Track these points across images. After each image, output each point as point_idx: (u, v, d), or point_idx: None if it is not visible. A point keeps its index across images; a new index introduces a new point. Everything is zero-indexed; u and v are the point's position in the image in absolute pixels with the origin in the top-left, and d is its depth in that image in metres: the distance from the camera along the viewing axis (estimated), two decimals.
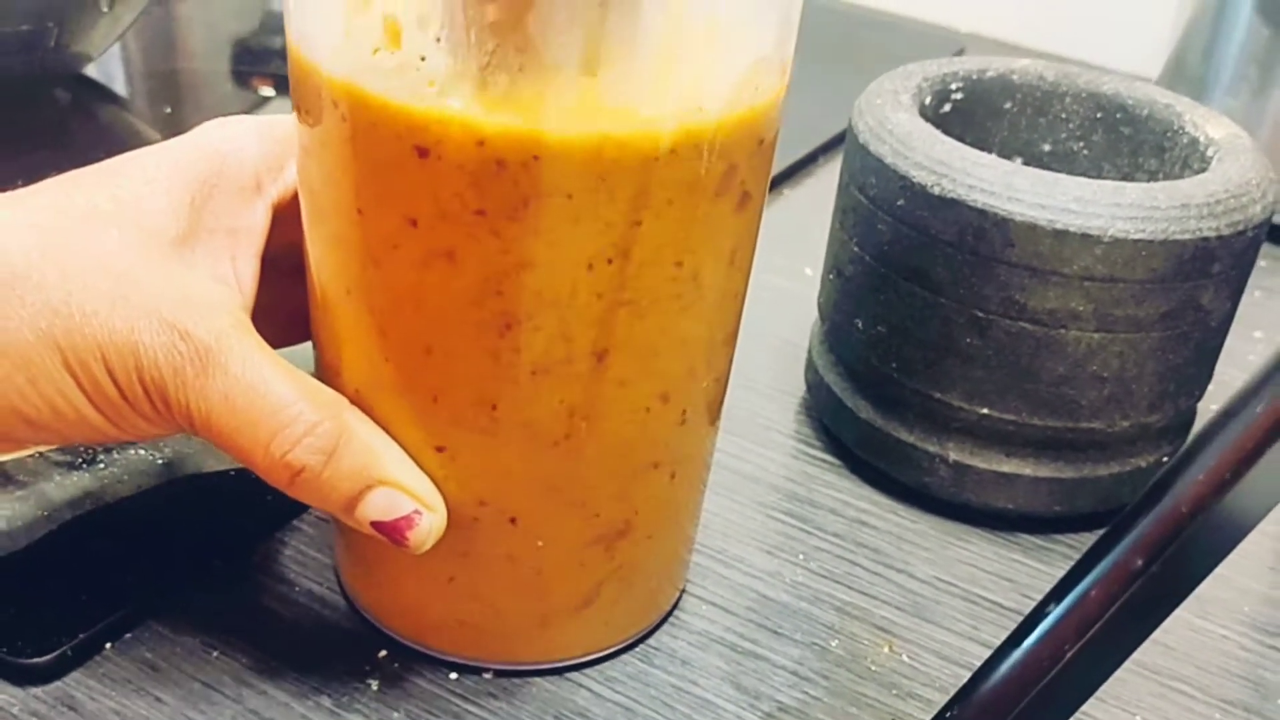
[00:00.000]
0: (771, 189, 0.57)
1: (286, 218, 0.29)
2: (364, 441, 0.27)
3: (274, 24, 0.69)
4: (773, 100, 0.26)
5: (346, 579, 0.32)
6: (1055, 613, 0.21)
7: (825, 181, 0.59)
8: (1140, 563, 0.20)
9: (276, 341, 0.29)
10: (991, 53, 0.77)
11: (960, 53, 0.76)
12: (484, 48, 0.23)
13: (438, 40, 0.23)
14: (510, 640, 0.30)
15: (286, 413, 0.26)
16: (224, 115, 0.62)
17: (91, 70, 0.60)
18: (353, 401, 0.27)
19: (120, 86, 0.63)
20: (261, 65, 0.65)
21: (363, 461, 0.26)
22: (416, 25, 0.23)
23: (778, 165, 0.57)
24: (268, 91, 0.62)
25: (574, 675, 0.31)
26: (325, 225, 0.26)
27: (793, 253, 0.51)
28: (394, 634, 0.31)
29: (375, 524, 0.27)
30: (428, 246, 0.25)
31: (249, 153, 0.29)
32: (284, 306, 0.30)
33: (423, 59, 0.23)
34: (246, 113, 0.60)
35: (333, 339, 0.28)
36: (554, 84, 0.23)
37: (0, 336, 0.25)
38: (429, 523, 0.27)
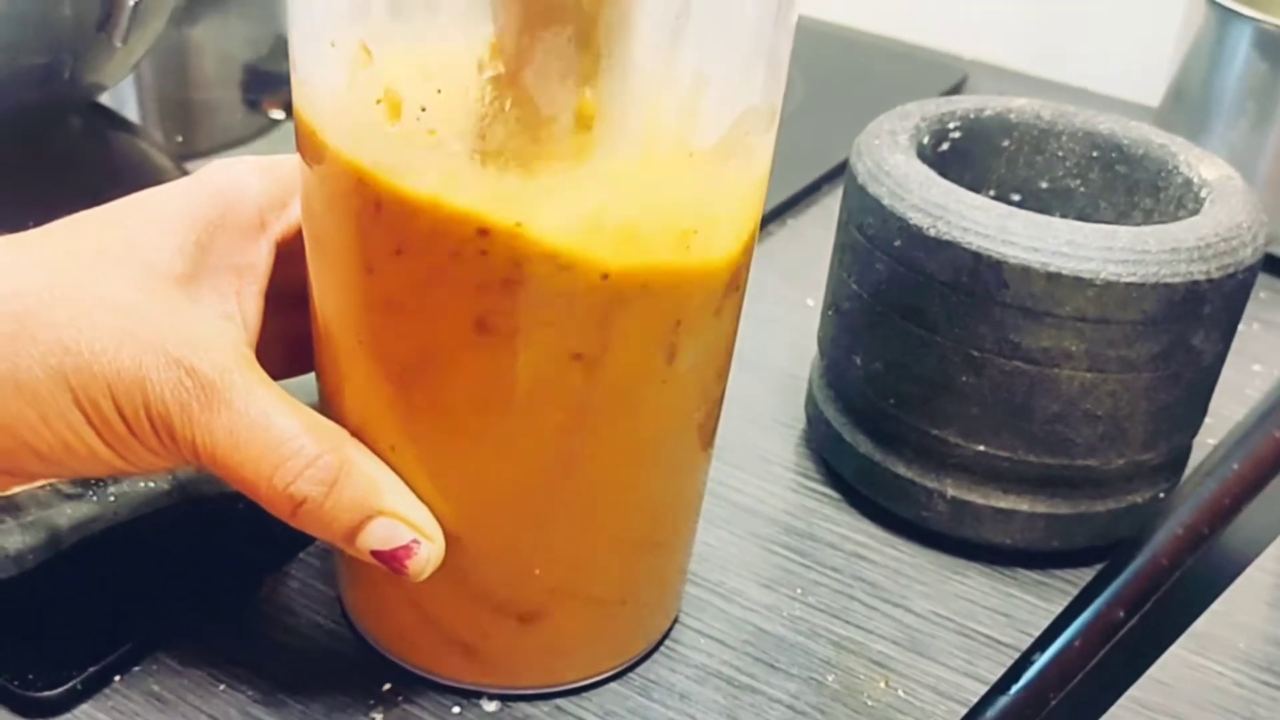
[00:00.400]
0: (775, 218, 0.58)
1: (290, 253, 0.30)
2: (364, 473, 0.27)
3: (284, 49, 0.70)
4: (760, 168, 0.27)
5: (351, 607, 0.33)
6: (1040, 661, 0.22)
7: (828, 211, 0.59)
8: (1121, 614, 0.21)
9: (281, 373, 0.30)
10: (993, 80, 0.77)
11: (963, 80, 0.76)
12: (482, 100, 0.23)
13: (438, 92, 0.24)
14: (508, 665, 0.31)
15: (289, 446, 0.27)
16: (236, 140, 0.63)
17: (105, 98, 0.61)
18: (354, 433, 0.28)
19: (133, 113, 0.64)
20: (273, 90, 0.66)
21: (363, 493, 0.27)
22: (419, 77, 0.24)
23: (780, 195, 0.58)
24: (278, 115, 0.63)
25: (573, 709, 0.31)
26: (330, 270, 0.27)
27: (795, 284, 0.51)
28: (396, 659, 0.32)
29: (375, 553, 0.28)
30: (428, 298, 0.25)
31: (252, 192, 0.30)
32: (288, 339, 0.31)
33: (423, 109, 0.24)
34: (258, 136, 0.62)
35: (335, 372, 0.28)
36: (549, 135, 0.24)
37: (12, 374, 0.26)
38: (427, 551, 0.28)
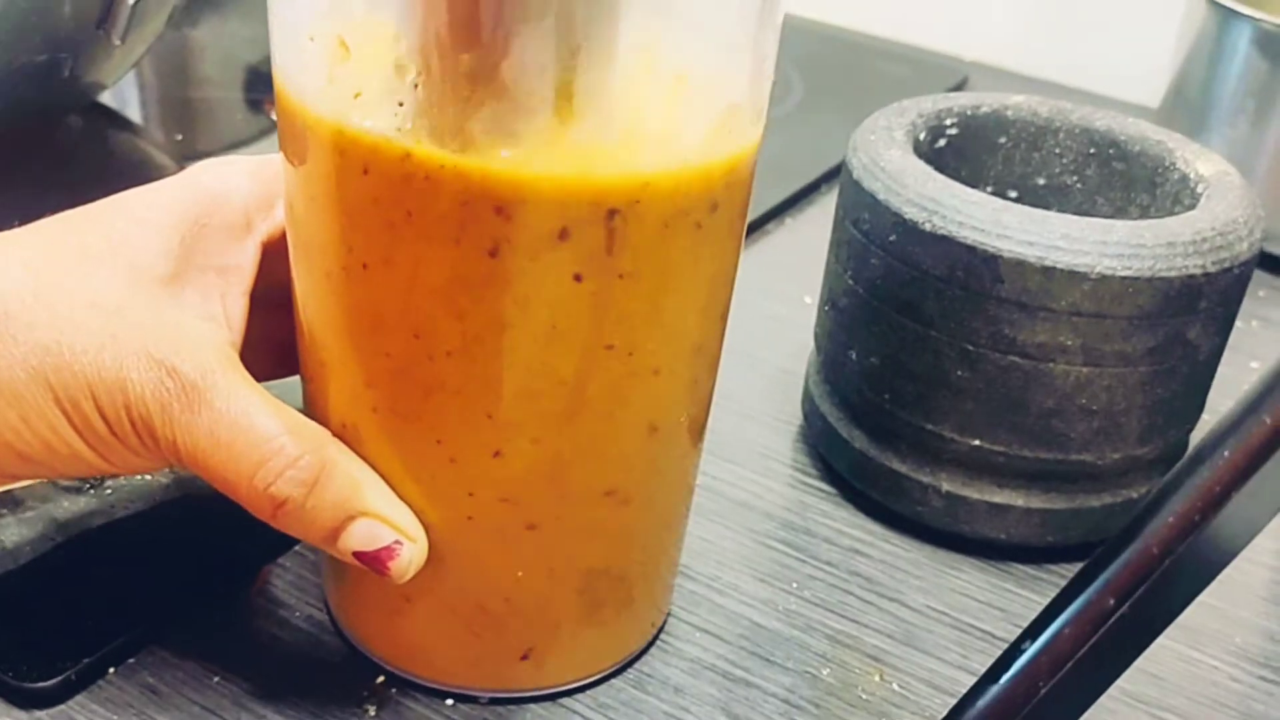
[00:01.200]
0: (773, 217, 0.58)
1: (277, 255, 0.30)
2: (346, 474, 0.27)
3: None
4: (749, 148, 0.27)
5: (338, 610, 0.33)
6: (1030, 650, 0.22)
7: (826, 210, 0.59)
8: (1112, 602, 0.21)
9: (266, 375, 0.30)
10: (994, 81, 0.77)
11: (963, 81, 0.76)
12: (459, 94, 0.23)
13: (415, 87, 0.23)
14: (497, 669, 0.31)
15: (269, 446, 0.27)
16: (237, 141, 0.63)
17: (105, 97, 0.61)
18: (338, 434, 0.28)
19: (134, 113, 0.64)
20: (272, 91, 0.66)
21: (345, 494, 0.27)
22: (394, 72, 0.24)
23: (779, 194, 0.58)
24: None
25: (568, 702, 0.31)
26: (312, 265, 0.27)
27: (792, 281, 0.51)
28: (386, 664, 0.32)
29: (357, 554, 0.27)
30: (412, 285, 0.25)
31: (239, 192, 0.30)
32: (274, 341, 0.31)
33: (400, 104, 0.24)
34: (259, 137, 0.62)
35: (319, 374, 0.28)
36: (528, 130, 0.24)
37: None
38: (410, 553, 0.28)
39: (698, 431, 0.30)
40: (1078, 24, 0.79)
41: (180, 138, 0.61)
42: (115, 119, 0.62)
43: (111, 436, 0.27)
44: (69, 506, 0.35)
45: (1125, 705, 0.33)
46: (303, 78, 0.25)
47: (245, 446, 0.27)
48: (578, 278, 0.25)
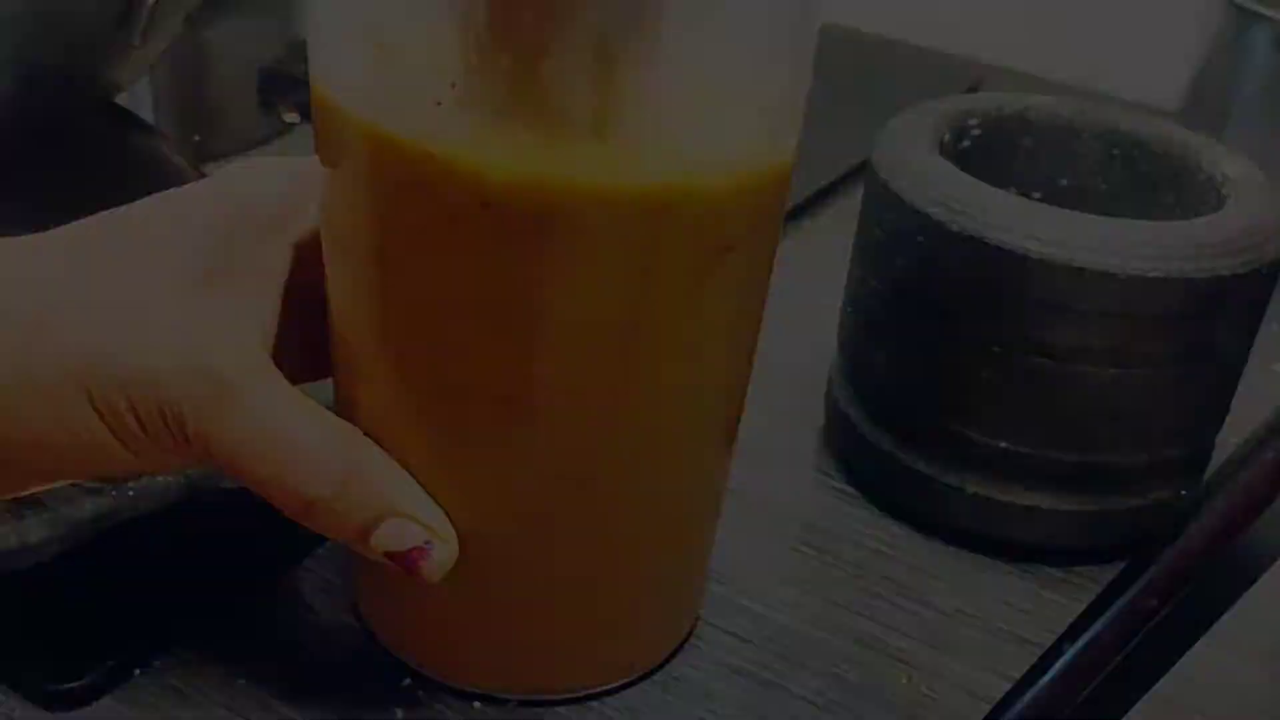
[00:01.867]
0: (792, 219, 0.58)
1: (309, 257, 0.30)
2: (377, 473, 0.27)
3: (300, 52, 0.69)
4: (784, 165, 0.27)
5: (366, 611, 0.33)
6: (1070, 652, 0.22)
7: (845, 212, 0.59)
8: (1154, 603, 0.21)
9: (298, 377, 0.29)
10: (1009, 84, 0.77)
11: (978, 84, 0.76)
12: (498, 93, 0.23)
13: (453, 85, 0.23)
14: (527, 671, 0.31)
15: (301, 444, 0.27)
16: (253, 142, 0.63)
17: (121, 99, 0.61)
18: (369, 435, 0.28)
19: (148, 114, 0.64)
20: (287, 92, 0.66)
21: (375, 493, 0.27)
22: (433, 71, 0.24)
23: (795, 196, 0.58)
24: (293, 118, 0.63)
25: (596, 705, 0.31)
26: (346, 265, 0.27)
27: (811, 284, 0.51)
28: (416, 665, 0.31)
29: (388, 554, 0.27)
30: (446, 288, 0.25)
31: (272, 194, 0.30)
32: (306, 343, 0.31)
33: (439, 104, 0.24)
34: (273, 138, 0.62)
35: (351, 374, 0.28)
36: (567, 129, 0.23)
37: (30, 375, 0.26)
38: (441, 553, 0.28)
39: (730, 433, 0.30)
40: (1093, 25, 0.79)
41: (198, 139, 0.61)
42: (132, 120, 0.62)
43: (144, 435, 0.27)
44: (92, 508, 0.35)
45: (1154, 708, 0.33)
46: (341, 77, 0.25)
47: (277, 445, 0.27)
48: (617, 287, 0.25)
